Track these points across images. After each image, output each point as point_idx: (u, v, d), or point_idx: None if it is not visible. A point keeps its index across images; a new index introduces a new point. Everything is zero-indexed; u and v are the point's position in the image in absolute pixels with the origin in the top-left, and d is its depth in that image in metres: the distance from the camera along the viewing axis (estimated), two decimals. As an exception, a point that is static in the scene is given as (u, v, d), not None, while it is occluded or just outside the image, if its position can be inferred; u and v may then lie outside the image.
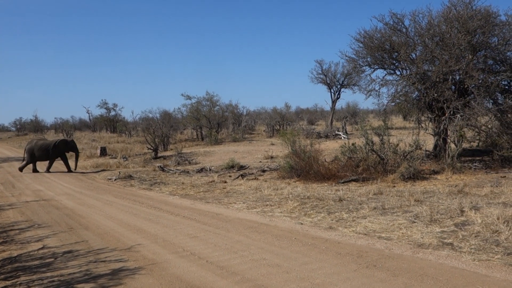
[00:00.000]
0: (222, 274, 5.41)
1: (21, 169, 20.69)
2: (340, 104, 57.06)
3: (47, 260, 6.41)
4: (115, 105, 53.14)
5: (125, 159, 25.57)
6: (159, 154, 26.42)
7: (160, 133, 29.31)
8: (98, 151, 28.35)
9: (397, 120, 43.76)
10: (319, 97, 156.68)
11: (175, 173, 19.24)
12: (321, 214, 9.05)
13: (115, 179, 17.72)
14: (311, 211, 9.35)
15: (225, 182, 15.52)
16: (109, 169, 21.81)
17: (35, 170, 20.64)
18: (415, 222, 7.69)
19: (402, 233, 7.10)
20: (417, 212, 8.33)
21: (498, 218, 7.15)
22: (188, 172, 19.33)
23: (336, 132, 31.26)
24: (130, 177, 18.05)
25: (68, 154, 22.80)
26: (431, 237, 6.74)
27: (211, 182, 15.66)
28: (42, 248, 7.13)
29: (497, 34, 16.11)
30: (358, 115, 43.84)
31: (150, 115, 38.84)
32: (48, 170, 20.82)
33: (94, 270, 5.81)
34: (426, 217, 7.88)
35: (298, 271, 5.39)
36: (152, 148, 26.03)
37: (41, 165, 22.62)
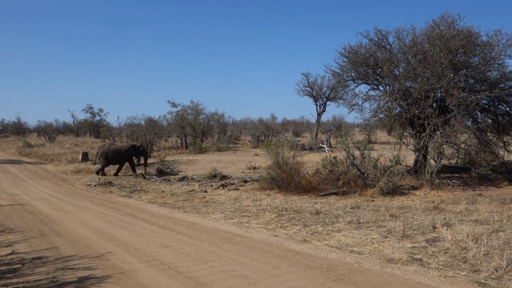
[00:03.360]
0: (189, 284, 5.39)
1: (97, 173, 20.87)
2: (326, 117, 57.53)
3: (15, 266, 6.31)
4: (100, 110, 52.77)
5: (107, 165, 25.30)
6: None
7: (143, 140, 29.13)
8: (80, 156, 28.05)
9: (381, 135, 44.19)
10: (305, 109, 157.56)
11: (156, 180, 19.12)
12: (297, 226, 9.07)
13: (94, 185, 17.54)
14: (287, 223, 9.37)
15: (206, 191, 15.47)
16: (89, 174, 21.57)
17: (103, 174, 20.71)
18: (387, 237, 7.76)
19: (374, 247, 7.15)
20: (391, 227, 8.41)
21: (467, 235, 7.25)
22: (169, 180, 19.23)
23: (320, 145, 31.42)
24: (110, 183, 17.88)
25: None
26: (402, 252, 6.80)
27: (192, 191, 15.59)
28: (11, 254, 7.01)
29: (478, 54, 16.45)
30: (342, 128, 44.20)
31: (135, 121, 38.63)
32: (117, 174, 21.06)
33: (61, 277, 5.73)
34: (399, 233, 7.96)
35: (266, 283, 5.39)
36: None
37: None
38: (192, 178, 19.51)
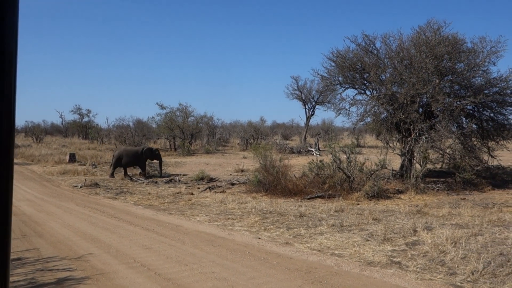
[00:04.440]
0: (168, 286, 5.39)
1: (111, 175, 20.95)
2: (316, 121, 57.71)
3: (-7, 267, 6.25)
4: (88, 111, 52.41)
5: (94, 166, 25.17)
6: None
7: (131, 141, 29.00)
8: (67, 157, 27.82)
9: (370, 139, 44.44)
10: (295, 113, 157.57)
11: (143, 182, 19.05)
12: (280, 229, 9.11)
13: (80, 187, 17.43)
14: (271, 226, 9.40)
15: (192, 194, 15.45)
16: (76, 176, 21.43)
17: (126, 174, 20.86)
18: (369, 240, 7.83)
19: (355, 250, 7.21)
20: (373, 231, 8.48)
21: (447, 239, 7.35)
22: (156, 182, 19.18)
23: (309, 148, 31.55)
24: (96, 185, 17.76)
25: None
26: (382, 255, 6.87)
27: (178, 193, 15.57)
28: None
29: (463, 60, 16.71)
30: (331, 132, 44.43)
31: (124, 123, 38.44)
32: (144, 176, 21.01)
33: (40, 278, 5.70)
34: (380, 236, 8.03)
35: (244, 285, 5.42)
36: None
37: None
38: (179, 180, 19.48)
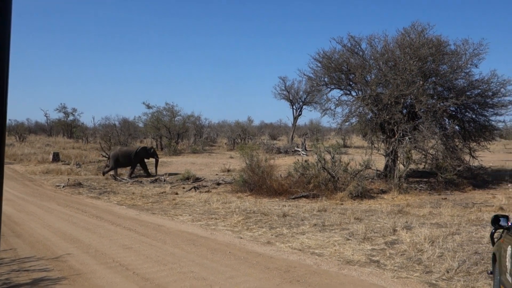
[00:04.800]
0: (145, 286, 5.37)
1: (104, 174, 20.92)
2: (303, 121, 57.83)
3: (-32, 268, 6.17)
4: (74, 109, 51.78)
5: (78, 166, 24.95)
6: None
7: (117, 140, 28.79)
8: (51, 157, 27.50)
9: (356, 139, 44.70)
10: (283, 113, 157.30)
11: (127, 182, 18.93)
12: (263, 229, 9.13)
13: (63, 186, 17.26)
14: (254, 226, 9.42)
15: (177, 193, 15.39)
16: (59, 175, 21.21)
17: (116, 175, 20.59)
18: (349, 240, 7.88)
19: (335, 249, 7.26)
20: (354, 230, 8.55)
21: (425, 238, 7.43)
22: (141, 182, 19.07)
23: (296, 148, 31.64)
24: (79, 184, 17.61)
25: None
26: (361, 254, 6.93)
27: (162, 193, 15.50)
28: (-35, 255, 6.85)
29: (446, 62, 16.91)
30: (319, 132, 44.60)
31: (110, 122, 38.16)
32: (130, 176, 20.79)
33: (15, 279, 5.64)
34: (361, 235, 8.10)
35: (222, 284, 5.42)
36: (107, 155, 25.51)
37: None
38: (164, 180, 19.39)
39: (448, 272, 5.86)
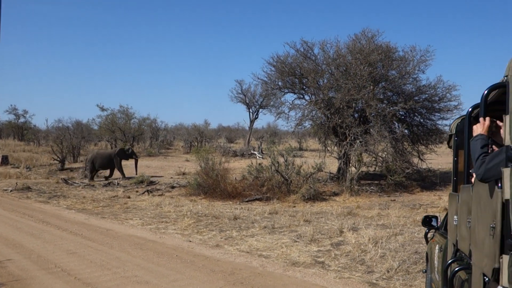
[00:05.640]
0: (85, 291, 5.26)
1: (90, 179, 20.33)
2: (261, 124, 58.13)
3: None
4: (25, 111, 49.69)
5: (28, 169, 24.02)
6: (67, 166, 25.17)
7: (69, 143, 27.93)
8: (-1, 160, 26.32)
9: (312, 142, 45.43)
10: (240, 116, 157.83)
11: (79, 186, 18.39)
12: (213, 232, 9.13)
13: (11, 190, 16.57)
14: (204, 229, 9.40)
15: (129, 197, 15.11)
16: (8, 179, 20.34)
17: (92, 179, 20.31)
18: (297, 241, 8.02)
19: (282, 251, 7.37)
20: (302, 232, 8.70)
21: (369, 239, 7.68)
22: (93, 185, 18.58)
23: (252, 151, 31.79)
24: (28, 188, 16.97)
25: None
26: (307, 255, 7.07)
27: (114, 197, 15.18)
28: None
29: (395, 68, 17.53)
30: (276, 135, 44.99)
31: (62, 124, 36.92)
32: (108, 178, 20.57)
33: None
34: (308, 237, 8.25)
35: (165, 287, 5.39)
36: (58, 159, 24.72)
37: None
38: (117, 183, 18.98)
39: (388, 271, 6.09)
